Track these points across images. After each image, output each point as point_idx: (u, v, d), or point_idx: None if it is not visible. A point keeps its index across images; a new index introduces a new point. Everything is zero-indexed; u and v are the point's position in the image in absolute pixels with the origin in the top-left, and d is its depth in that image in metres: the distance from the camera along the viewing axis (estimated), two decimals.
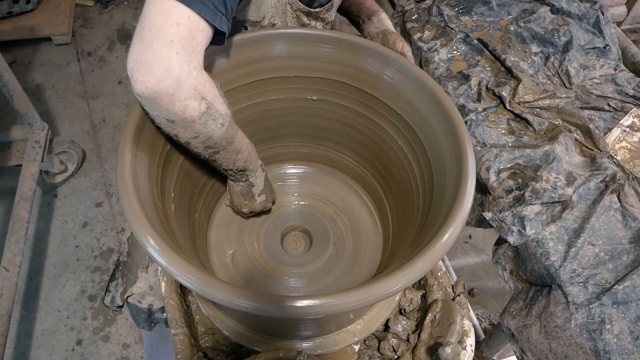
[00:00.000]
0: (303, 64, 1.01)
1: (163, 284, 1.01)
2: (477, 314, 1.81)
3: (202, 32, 0.74)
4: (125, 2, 3.00)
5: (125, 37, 2.82)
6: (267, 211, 1.13)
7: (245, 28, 1.06)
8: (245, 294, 0.67)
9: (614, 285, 0.91)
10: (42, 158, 1.93)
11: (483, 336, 1.43)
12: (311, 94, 1.06)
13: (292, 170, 1.22)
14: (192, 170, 1.01)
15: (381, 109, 1.01)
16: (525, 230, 0.98)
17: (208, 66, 0.93)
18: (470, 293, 1.86)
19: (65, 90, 2.55)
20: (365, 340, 1.00)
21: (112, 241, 2.07)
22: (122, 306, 1.20)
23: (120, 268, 1.22)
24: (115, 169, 0.77)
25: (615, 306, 0.89)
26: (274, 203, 1.11)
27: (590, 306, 0.89)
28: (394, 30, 1.20)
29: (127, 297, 1.15)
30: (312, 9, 1.07)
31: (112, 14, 2.93)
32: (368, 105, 1.03)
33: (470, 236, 2.06)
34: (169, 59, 0.70)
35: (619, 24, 2.40)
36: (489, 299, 1.88)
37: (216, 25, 0.75)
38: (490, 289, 1.90)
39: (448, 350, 0.84)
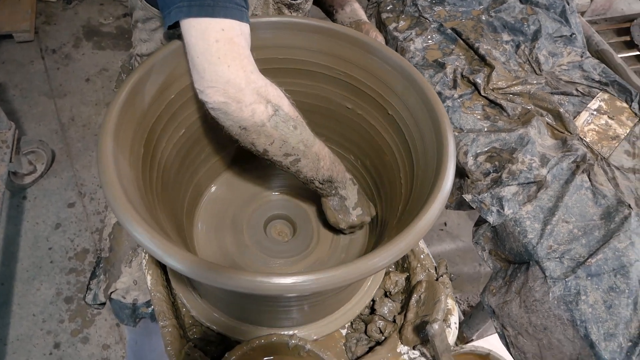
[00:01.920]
0: (289, 53, 1.02)
1: (149, 277, 1.00)
2: (455, 298, 1.85)
3: (240, 35, 0.77)
4: None
5: (92, 33, 2.76)
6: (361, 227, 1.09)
7: None
8: (242, 274, 0.68)
9: (587, 259, 0.96)
10: (10, 158, 1.89)
11: (462, 318, 1.48)
12: (295, 85, 1.07)
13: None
14: (180, 160, 1.01)
15: (364, 97, 1.03)
16: (503, 210, 1.01)
17: None
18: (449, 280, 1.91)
19: (30, 89, 2.49)
20: (352, 323, 1.02)
21: (87, 242, 2.04)
22: (104, 303, 1.18)
23: (101, 265, 1.21)
24: (97, 159, 0.77)
25: (589, 278, 0.94)
26: (371, 218, 1.06)
27: (566, 279, 0.93)
28: (367, 20, 1.22)
29: (111, 292, 1.14)
30: (293, 1, 1.08)
31: (76, 10, 2.87)
32: (350, 93, 1.04)
33: (445, 224, 2.11)
34: (224, 74, 0.75)
35: (582, 14, 2.49)
36: (465, 283, 1.94)
37: (244, 21, 0.78)
38: (466, 274, 1.96)
39: (435, 326, 0.87)
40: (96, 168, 0.77)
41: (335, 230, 1.09)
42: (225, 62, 0.74)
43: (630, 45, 2.52)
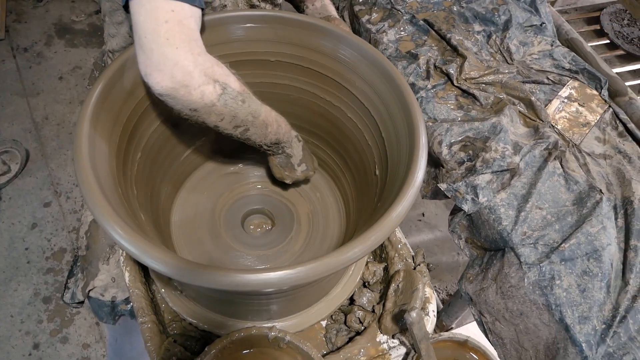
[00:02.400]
0: (260, 46, 1.02)
1: (127, 274, 0.99)
2: (434, 287, 1.88)
3: (190, 17, 0.76)
4: None
5: (64, 31, 2.72)
6: (307, 181, 1.16)
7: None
8: (218, 272, 0.69)
9: (561, 244, 0.98)
10: None
11: (441, 306, 1.50)
12: (268, 77, 1.07)
13: (251, 154, 1.23)
14: (157, 151, 1.01)
15: (336, 88, 1.03)
16: (478, 198, 1.03)
17: None
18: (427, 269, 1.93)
19: (1, 88, 2.45)
20: (332, 315, 1.02)
21: (64, 241, 2.01)
22: (82, 302, 1.17)
23: (79, 263, 1.20)
24: (73, 151, 0.76)
25: (563, 263, 0.96)
26: (315, 172, 1.13)
27: (540, 265, 0.95)
28: (337, 16, 1.23)
29: (89, 291, 1.13)
30: None
31: (47, 8, 2.82)
32: (323, 84, 1.05)
33: (423, 214, 2.13)
34: (172, 56, 0.73)
35: (552, 4, 2.52)
36: (444, 272, 1.96)
37: (195, 4, 0.77)
38: (444, 263, 1.98)
39: (413, 314, 0.88)
40: (72, 167, 0.76)
41: (311, 219, 1.11)
42: (173, 44, 0.73)
43: (600, 33, 2.57)
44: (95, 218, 0.72)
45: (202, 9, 0.80)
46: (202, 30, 0.97)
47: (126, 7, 0.76)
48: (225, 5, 1.06)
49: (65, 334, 1.81)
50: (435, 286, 1.88)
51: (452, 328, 1.44)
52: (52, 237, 2.02)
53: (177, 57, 0.73)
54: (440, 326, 1.44)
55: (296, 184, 1.15)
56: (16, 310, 1.85)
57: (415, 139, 0.85)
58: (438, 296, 1.80)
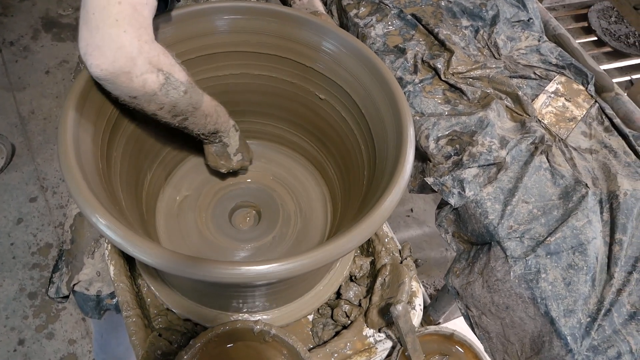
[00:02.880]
0: (245, 38, 1.01)
1: (112, 268, 0.99)
2: (422, 282, 1.88)
3: (146, 5, 0.74)
4: None
5: (51, 25, 2.69)
6: (244, 170, 1.16)
7: (178, 1, 1.05)
8: (204, 263, 0.69)
9: (546, 238, 0.98)
10: None
11: (429, 301, 1.50)
12: (253, 69, 1.06)
13: None
14: (142, 143, 1.00)
15: (322, 81, 1.03)
16: (464, 192, 1.03)
17: None
18: (415, 263, 1.93)
19: None
20: (318, 309, 1.02)
21: (50, 236, 2.00)
22: (67, 296, 1.17)
23: (64, 257, 1.19)
24: (58, 143, 0.76)
25: (548, 257, 0.96)
26: (251, 162, 1.13)
27: (526, 258, 0.95)
28: (324, 12, 1.23)
29: (74, 285, 1.13)
30: None
31: (34, 2, 2.79)
32: (310, 78, 1.04)
33: (412, 210, 2.13)
34: (117, 39, 0.70)
35: (540, 0, 2.54)
36: (432, 267, 1.96)
37: None
38: (433, 259, 1.99)
39: (399, 307, 0.88)
40: (58, 161, 0.75)
41: (297, 213, 1.11)
42: (121, 27, 0.71)
43: (587, 30, 2.59)
44: (81, 209, 0.71)
45: (165, 1, 0.80)
46: (185, 21, 0.97)
47: None
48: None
49: (51, 329, 1.80)
50: (422, 281, 1.89)
51: (439, 323, 1.44)
52: (38, 232, 2.00)
53: (123, 41, 0.71)
54: (428, 321, 1.44)
55: (283, 179, 1.15)
56: (1, 305, 1.83)
57: (403, 132, 0.85)
58: (426, 291, 1.80)
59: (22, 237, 1.99)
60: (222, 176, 1.15)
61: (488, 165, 1.06)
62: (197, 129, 0.93)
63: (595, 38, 2.56)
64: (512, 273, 0.96)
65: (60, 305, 1.83)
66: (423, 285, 1.87)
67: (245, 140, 1.09)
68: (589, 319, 0.92)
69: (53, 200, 2.09)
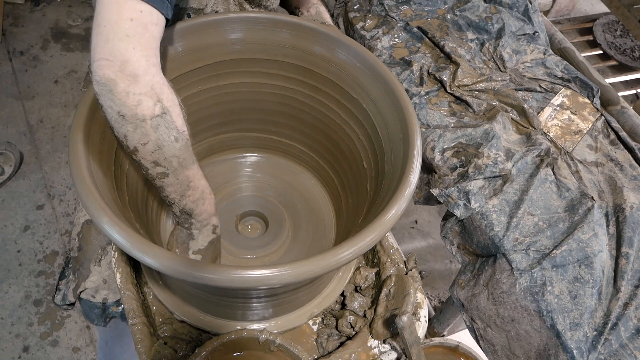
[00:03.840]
0: (257, 48, 1.02)
1: (118, 276, 0.99)
2: (426, 294, 1.87)
3: (156, 25, 0.74)
4: (58, 0, 2.90)
5: (60, 35, 2.72)
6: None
7: (189, 16, 1.06)
8: (214, 268, 0.69)
9: (552, 250, 0.98)
10: None
11: (433, 313, 1.49)
12: (264, 78, 1.07)
13: (246, 157, 1.24)
14: None
15: (333, 92, 1.04)
16: (470, 204, 1.03)
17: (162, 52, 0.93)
18: (419, 275, 1.93)
19: None
20: (323, 319, 1.02)
21: (56, 244, 2.00)
22: (73, 303, 1.17)
23: (70, 264, 1.19)
24: (68, 154, 0.77)
25: (554, 269, 0.96)
26: None
27: (532, 271, 0.96)
28: (331, 23, 1.24)
29: (80, 292, 1.13)
30: None
31: (44, 12, 2.82)
32: (320, 89, 1.05)
33: (416, 221, 2.13)
34: (125, 52, 0.70)
35: (545, 13, 2.55)
36: (436, 280, 1.96)
37: (164, 13, 0.75)
38: (437, 271, 1.98)
39: (405, 318, 0.88)
40: (66, 170, 0.76)
41: (303, 223, 1.10)
42: (131, 43, 0.70)
43: (593, 44, 2.59)
44: (88, 212, 0.72)
45: (167, 20, 0.78)
46: (196, 32, 0.98)
47: None
48: (217, 12, 1.07)
49: (56, 337, 1.80)
50: (427, 293, 1.88)
51: (444, 335, 1.44)
52: (44, 239, 2.01)
53: (131, 56, 0.70)
54: (432, 333, 1.44)
55: (289, 190, 1.15)
56: (7, 312, 1.84)
57: (410, 142, 0.85)
58: (430, 303, 1.80)
59: (28, 244, 1.99)
60: (229, 183, 1.15)
61: (493, 177, 1.07)
62: (173, 196, 0.85)
63: (601, 51, 2.56)
64: (517, 285, 0.96)
65: (65, 313, 1.83)
66: (427, 297, 1.86)
67: (218, 251, 0.99)
68: (595, 333, 0.92)
69: (60, 208, 2.10)
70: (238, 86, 1.08)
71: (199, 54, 1.00)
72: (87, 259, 1.13)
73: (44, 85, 2.50)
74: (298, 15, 1.28)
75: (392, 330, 0.94)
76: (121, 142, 0.78)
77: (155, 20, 0.74)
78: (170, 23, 0.84)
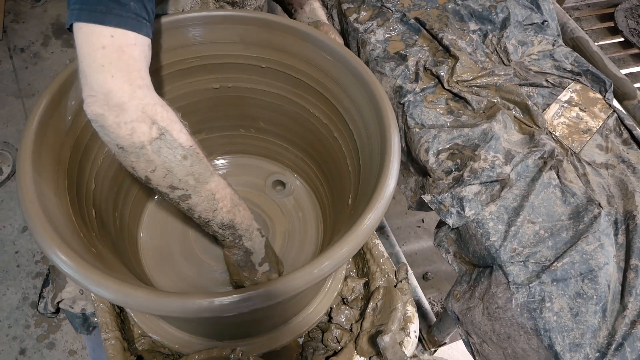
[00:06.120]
0: (223, 48, 0.96)
1: None
2: (430, 298, 1.80)
3: (134, 45, 0.69)
4: None
5: (61, 31, 2.69)
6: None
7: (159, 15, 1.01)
8: (162, 296, 0.65)
9: (553, 262, 0.90)
10: None
11: (435, 319, 1.42)
12: (242, 82, 1.01)
13: (224, 161, 1.19)
14: (111, 179, 0.96)
15: (309, 92, 0.98)
16: (464, 212, 0.95)
17: None
18: (425, 277, 1.86)
19: None
20: (309, 332, 0.97)
21: None
22: (55, 313, 1.15)
23: (49, 273, 1.17)
24: (18, 190, 0.71)
25: (554, 284, 0.88)
26: (281, 274, 0.97)
27: (530, 285, 0.88)
28: (326, 21, 1.18)
29: (58, 302, 1.10)
30: None
31: (45, 8, 2.79)
32: (296, 89, 0.99)
33: (423, 220, 2.04)
34: (105, 84, 0.67)
35: (560, 1, 2.42)
36: (442, 282, 1.88)
37: (141, 32, 0.70)
38: (443, 272, 1.90)
39: (386, 339, 0.82)
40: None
41: (287, 235, 1.04)
42: (109, 72, 0.67)
43: (614, 31, 2.46)
44: (41, 248, 0.69)
45: (151, 39, 0.73)
46: (159, 34, 0.92)
47: (70, 29, 0.70)
48: None
49: (52, 339, 1.78)
50: (430, 297, 1.81)
51: (445, 343, 1.37)
52: None
53: (111, 85, 0.67)
54: (432, 341, 1.36)
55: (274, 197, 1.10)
56: (4, 314, 1.82)
57: (387, 148, 0.79)
58: (433, 308, 1.72)
59: (26, 245, 1.97)
60: None
61: (491, 182, 0.98)
62: (206, 214, 0.80)
63: (622, 39, 2.43)
64: (513, 301, 0.88)
65: (62, 316, 1.82)
66: (430, 302, 1.78)
67: (273, 250, 0.96)
68: (597, 354, 0.84)
69: None
70: (207, 92, 1.03)
71: (165, 57, 0.94)
72: None
73: (44, 83, 2.47)
74: (292, 13, 1.22)
75: (377, 347, 0.88)
76: (133, 175, 0.75)
77: (132, 41, 0.69)
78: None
